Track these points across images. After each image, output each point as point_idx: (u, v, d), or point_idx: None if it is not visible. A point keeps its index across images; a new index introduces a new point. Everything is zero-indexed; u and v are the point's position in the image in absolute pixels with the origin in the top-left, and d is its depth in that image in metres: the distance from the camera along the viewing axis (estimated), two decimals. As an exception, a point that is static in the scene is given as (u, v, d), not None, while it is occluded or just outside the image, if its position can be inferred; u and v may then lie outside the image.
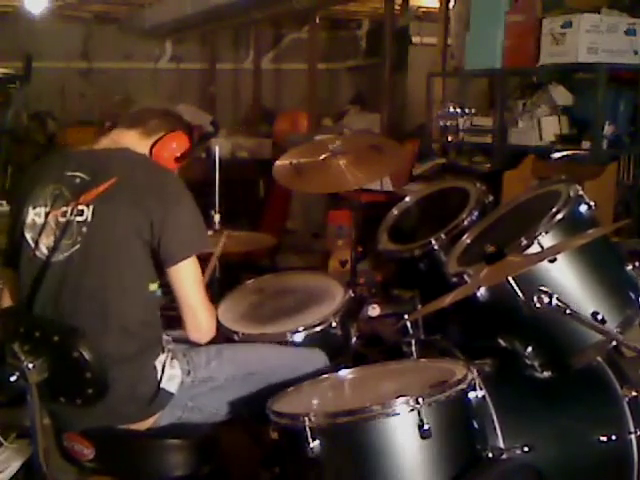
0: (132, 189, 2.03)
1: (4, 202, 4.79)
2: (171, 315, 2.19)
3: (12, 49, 8.00)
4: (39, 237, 2.07)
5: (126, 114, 2.25)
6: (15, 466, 2.55)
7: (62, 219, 2.04)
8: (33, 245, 2.07)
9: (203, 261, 2.24)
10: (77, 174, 2.08)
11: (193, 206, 2.10)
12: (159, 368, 2.08)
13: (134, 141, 2.20)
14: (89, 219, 2.02)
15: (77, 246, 2.02)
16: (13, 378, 1.91)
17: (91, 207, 2.02)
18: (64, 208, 2.05)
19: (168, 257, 2.03)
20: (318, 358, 2.35)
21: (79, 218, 2.03)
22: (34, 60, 7.78)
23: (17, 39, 8.27)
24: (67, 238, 2.03)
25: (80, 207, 2.03)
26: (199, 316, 2.10)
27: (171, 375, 2.09)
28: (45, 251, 2.06)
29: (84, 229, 2.01)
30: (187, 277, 2.06)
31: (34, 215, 2.09)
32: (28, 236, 2.09)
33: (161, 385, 2.07)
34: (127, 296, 2.03)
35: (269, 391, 2.06)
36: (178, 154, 2.27)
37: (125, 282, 2.02)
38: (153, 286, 2.08)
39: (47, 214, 2.07)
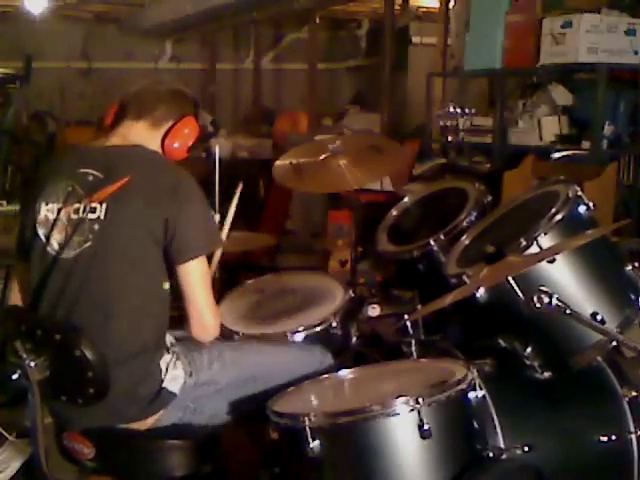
0: (145, 189, 2.03)
1: (4, 202, 4.80)
2: (172, 315, 2.20)
3: (12, 49, 8.00)
4: (51, 233, 2.07)
5: (132, 103, 2.19)
6: (15, 466, 2.56)
7: (74, 216, 2.04)
8: (45, 241, 2.07)
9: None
10: (90, 171, 2.07)
11: (205, 206, 2.10)
12: (164, 368, 2.08)
13: (144, 135, 2.17)
14: (102, 217, 2.01)
15: (88, 243, 2.01)
16: (15, 376, 1.91)
17: (104, 205, 2.02)
18: (77, 205, 2.05)
19: (178, 255, 2.03)
20: (322, 357, 2.34)
21: (91, 215, 2.02)
22: (34, 60, 7.78)
23: (17, 39, 8.28)
24: (78, 235, 2.02)
25: (93, 205, 2.03)
26: (205, 316, 2.08)
27: (174, 375, 2.09)
28: (56, 247, 2.06)
29: (96, 227, 2.01)
30: (195, 276, 2.05)
31: (46, 211, 2.09)
32: (40, 232, 2.09)
33: (163, 385, 2.07)
34: (135, 295, 2.03)
35: (271, 394, 2.05)
36: (190, 142, 2.23)
37: (134, 281, 2.02)
38: (167, 285, 2.08)
39: (59, 210, 2.07)
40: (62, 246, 2.04)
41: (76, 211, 2.04)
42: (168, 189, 2.03)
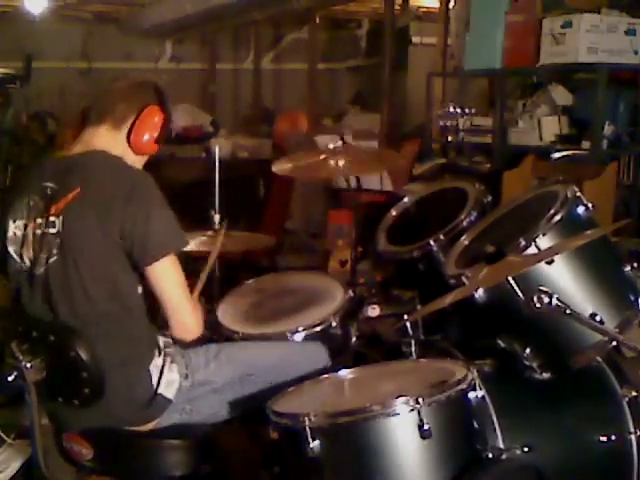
0: (97, 197, 1.98)
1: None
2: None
3: (12, 49, 7.99)
4: (21, 250, 2.05)
5: (92, 108, 2.12)
6: (15, 466, 2.56)
7: (38, 231, 2.02)
8: (18, 258, 2.06)
9: (199, 260, 2.21)
10: (48, 184, 2.04)
11: (163, 206, 2.02)
12: (154, 372, 2.06)
13: (107, 139, 2.10)
14: (60, 230, 1.99)
15: (54, 258, 2.00)
16: (11, 377, 1.91)
17: (61, 218, 1.99)
18: (39, 220, 2.03)
19: (141, 259, 1.98)
20: (318, 353, 2.35)
21: (52, 230, 2.00)
22: (34, 60, 7.77)
23: (17, 39, 8.27)
24: (44, 251, 2.01)
25: (51, 218, 2.00)
26: (182, 315, 2.03)
27: (169, 380, 2.08)
28: (28, 263, 2.05)
29: (57, 240, 1.99)
30: (164, 277, 2.00)
31: (14, 228, 2.07)
32: (11, 250, 2.07)
33: (159, 391, 2.06)
34: (110, 303, 2.01)
35: (268, 391, 2.05)
36: (156, 134, 2.12)
37: (106, 289, 2.00)
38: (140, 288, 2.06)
39: (25, 226, 2.05)
40: (33, 263, 2.03)
41: (39, 226, 2.02)
42: (121, 194, 1.97)
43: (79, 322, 1.99)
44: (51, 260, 2.00)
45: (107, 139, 2.11)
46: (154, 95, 2.16)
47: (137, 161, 2.16)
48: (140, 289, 2.06)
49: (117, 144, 2.11)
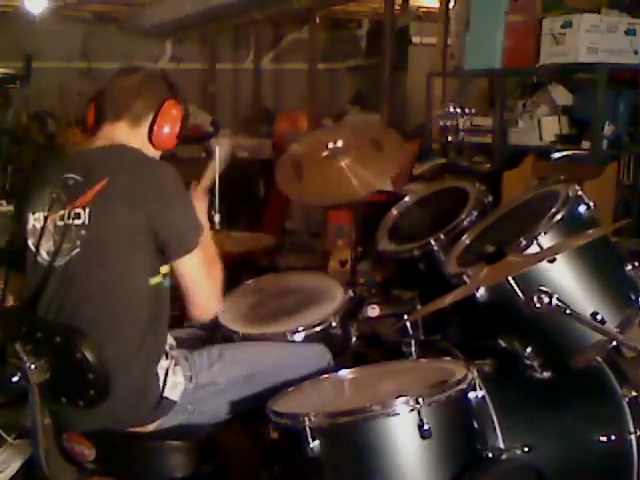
0: (125, 189, 2.00)
1: (4, 202, 4.80)
2: (173, 315, 2.19)
3: (12, 49, 7.99)
4: (39, 242, 2.05)
5: (106, 104, 2.15)
6: (15, 466, 2.55)
7: (60, 223, 2.02)
8: (34, 250, 2.06)
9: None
10: (71, 176, 2.04)
11: (186, 196, 2.08)
12: (161, 375, 2.06)
13: (127, 136, 2.13)
14: (86, 222, 1.99)
15: (77, 250, 2.00)
16: (15, 378, 1.91)
17: (87, 209, 1.99)
18: (61, 212, 2.03)
19: (171, 252, 2.03)
20: (321, 354, 2.35)
21: (77, 221, 2.00)
22: (34, 60, 7.77)
23: (17, 39, 8.27)
24: (66, 242, 2.01)
25: (76, 210, 2.01)
26: (203, 300, 2.10)
27: (174, 383, 2.08)
28: (46, 256, 2.04)
29: (82, 232, 1.99)
30: (191, 268, 2.05)
31: (34, 220, 2.08)
32: (30, 242, 2.08)
33: (164, 394, 2.06)
34: (128, 298, 2.01)
35: (271, 391, 2.05)
36: (177, 128, 2.17)
37: (126, 282, 2.01)
38: (155, 279, 2.05)
39: (45, 218, 2.05)
40: (52, 255, 2.02)
41: (61, 218, 2.03)
42: (148, 188, 2.01)
43: (92, 319, 1.98)
44: (74, 252, 2.00)
45: (127, 135, 2.13)
46: (167, 89, 2.19)
47: (155, 156, 2.19)
48: (159, 279, 2.06)
49: (137, 139, 2.14)
